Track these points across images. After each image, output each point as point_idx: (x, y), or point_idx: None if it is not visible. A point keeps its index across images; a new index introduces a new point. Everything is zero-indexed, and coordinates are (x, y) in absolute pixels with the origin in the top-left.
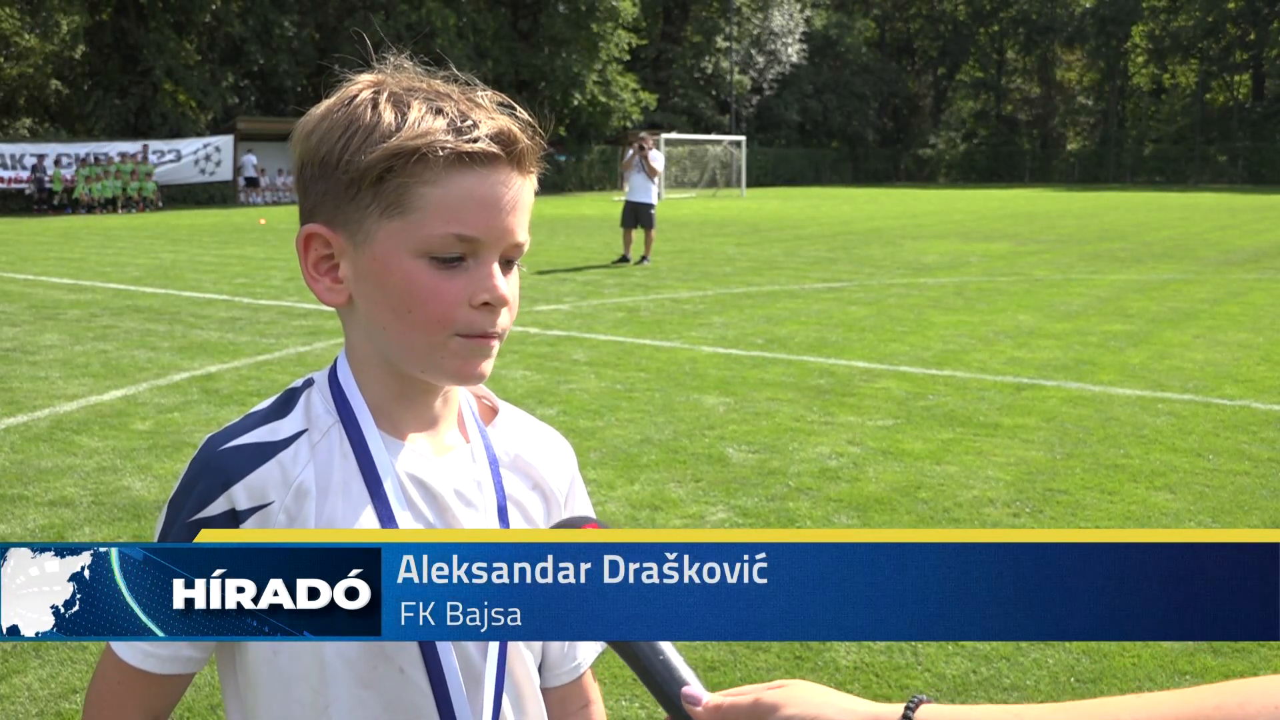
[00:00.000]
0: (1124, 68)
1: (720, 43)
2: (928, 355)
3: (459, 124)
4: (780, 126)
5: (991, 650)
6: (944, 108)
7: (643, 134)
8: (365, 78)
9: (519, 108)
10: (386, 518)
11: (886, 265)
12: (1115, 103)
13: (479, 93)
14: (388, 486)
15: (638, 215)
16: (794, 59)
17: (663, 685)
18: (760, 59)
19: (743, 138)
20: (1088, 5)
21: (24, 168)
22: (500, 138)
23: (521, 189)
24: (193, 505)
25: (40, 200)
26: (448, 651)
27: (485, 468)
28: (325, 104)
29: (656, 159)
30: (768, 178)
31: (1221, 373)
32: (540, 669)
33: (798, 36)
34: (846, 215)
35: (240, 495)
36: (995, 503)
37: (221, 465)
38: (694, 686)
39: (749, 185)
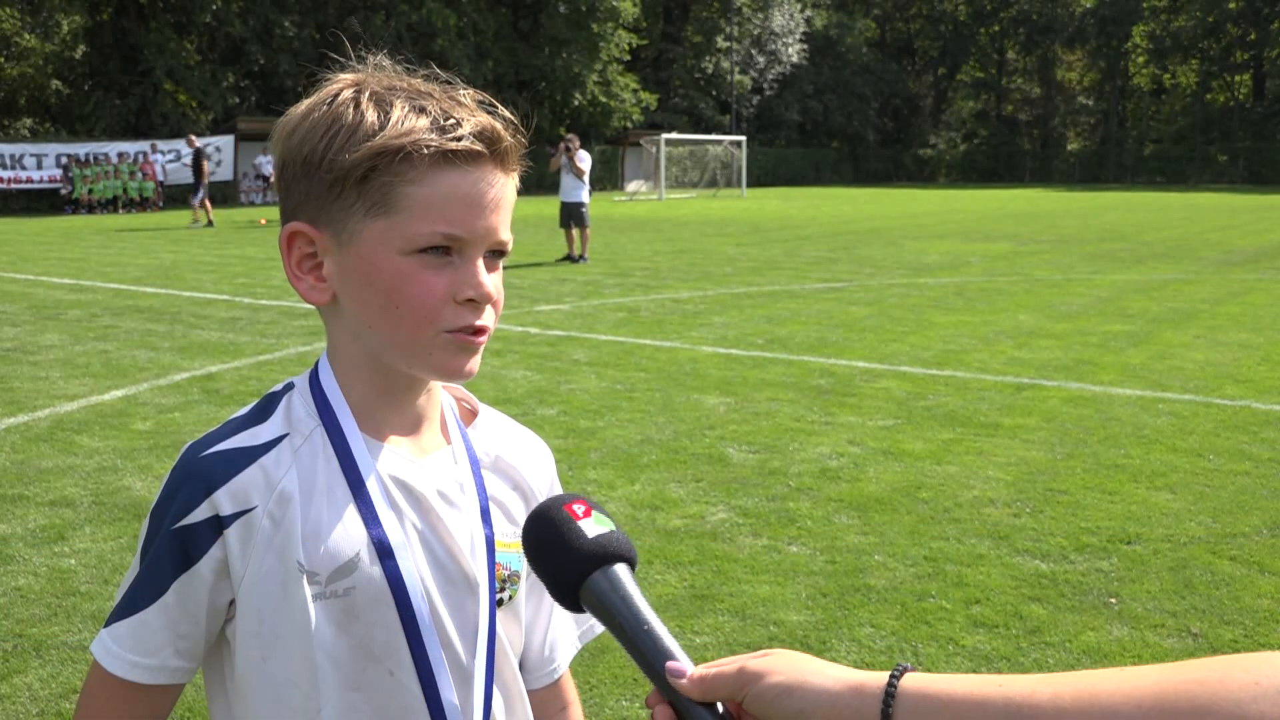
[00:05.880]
0: (1124, 68)
1: (720, 43)
2: (928, 355)
3: (442, 122)
4: (780, 126)
5: (992, 650)
6: (944, 108)
7: (568, 135)
8: (345, 77)
9: (500, 106)
10: (371, 519)
11: (887, 265)
12: (1115, 103)
13: (460, 91)
14: (371, 488)
15: (571, 215)
16: (794, 59)
17: (649, 658)
18: (760, 59)
19: (743, 138)
20: (1088, 5)
21: (23, 167)
22: (484, 135)
23: (504, 187)
24: (176, 513)
25: (70, 201)
26: (437, 652)
27: (467, 469)
28: (306, 103)
29: (583, 159)
30: (768, 178)
31: (1222, 373)
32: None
33: (798, 36)
34: (847, 215)
35: (224, 501)
36: (995, 503)
37: (203, 472)
38: (680, 660)
39: (749, 185)
